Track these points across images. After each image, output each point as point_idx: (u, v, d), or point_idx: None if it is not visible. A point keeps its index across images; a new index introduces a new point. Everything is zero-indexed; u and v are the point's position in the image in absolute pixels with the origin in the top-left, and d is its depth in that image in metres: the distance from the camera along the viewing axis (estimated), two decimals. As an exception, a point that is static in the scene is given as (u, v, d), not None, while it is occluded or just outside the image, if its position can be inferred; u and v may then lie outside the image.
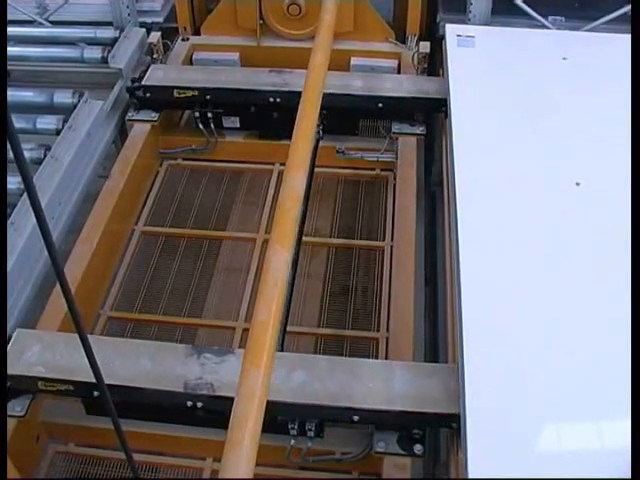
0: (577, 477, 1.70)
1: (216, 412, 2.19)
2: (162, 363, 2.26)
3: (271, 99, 3.51)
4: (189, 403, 2.19)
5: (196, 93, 3.54)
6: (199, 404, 2.19)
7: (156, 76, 3.65)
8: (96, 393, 2.20)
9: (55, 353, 2.26)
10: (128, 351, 2.32)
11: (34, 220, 1.16)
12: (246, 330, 2.91)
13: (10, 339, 2.33)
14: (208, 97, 3.54)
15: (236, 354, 2.28)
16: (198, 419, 2.36)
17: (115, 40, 3.88)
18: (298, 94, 3.36)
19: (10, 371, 2.23)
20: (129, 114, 3.69)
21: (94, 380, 2.13)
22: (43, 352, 2.30)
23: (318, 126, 2.95)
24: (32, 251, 2.75)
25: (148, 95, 3.60)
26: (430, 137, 3.65)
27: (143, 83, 3.60)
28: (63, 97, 3.50)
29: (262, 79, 3.57)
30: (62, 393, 2.24)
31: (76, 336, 2.44)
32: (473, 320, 2.05)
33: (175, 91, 3.52)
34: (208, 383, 2.19)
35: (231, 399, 2.09)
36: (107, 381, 2.13)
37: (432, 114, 3.55)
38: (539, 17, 3.70)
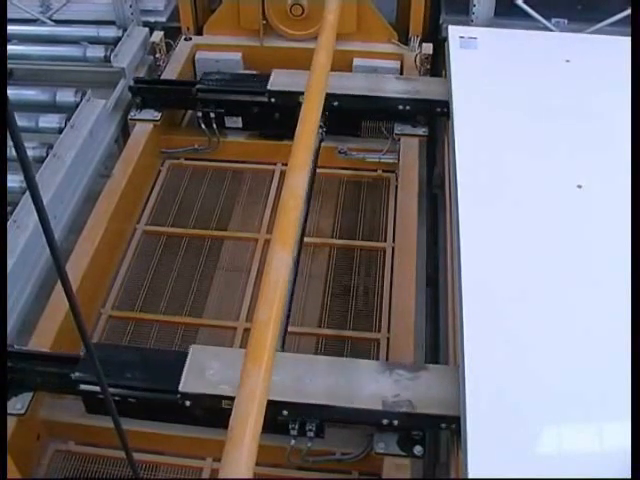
0: (577, 477, 1.70)
1: (404, 429, 2.17)
2: (354, 380, 2.19)
3: (400, 107, 3.42)
4: (385, 421, 2.14)
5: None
6: (395, 422, 2.14)
7: (281, 81, 3.56)
8: (285, 412, 2.17)
9: (236, 370, 2.20)
10: (318, 368, 2.25)
11: (36, 218, 1.16)
12: (247, 330, 2.90)
13: (187, 356, 2.27)
14: (336, 104, 3.40)
15: (429, 369, 2.23)
16: (198, 419, 2.36)
17: (118, 39, 3.89)
18: (430, 102, 3.39)
19: (193, 389, 2.18)
20: (131, 113, 3.69)
21: (283, 398, 2.13)
22: (224, 370, 2.22)
23: (320, 127, 2.94)
24: (34, 249, 2.76)
25: (273, 100, 3.51)
26: (432, 138, 3.66)
27: (268, 88, 3.50)
28: (65, 96, 3.51)
29: (390, 86, 3.48)
30: None
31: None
32: (474, 321, 2.06)
33: (301, 97, 3.45)
34: (406, 400, 2.12)
35: (430, 416, 2.10)
36: (298, 400, 2.15)
37: (434, 115, 3.55)
38: (542, 19, 3.71)
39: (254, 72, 4.12)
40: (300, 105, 3.28)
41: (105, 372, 2.24)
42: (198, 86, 3.63)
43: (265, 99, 3.52)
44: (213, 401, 2.18)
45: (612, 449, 1.78)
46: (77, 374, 2.27)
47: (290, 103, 3.41)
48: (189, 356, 2.27)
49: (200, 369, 2.23)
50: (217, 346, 2.60)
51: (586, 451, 1.79)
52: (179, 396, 2.19)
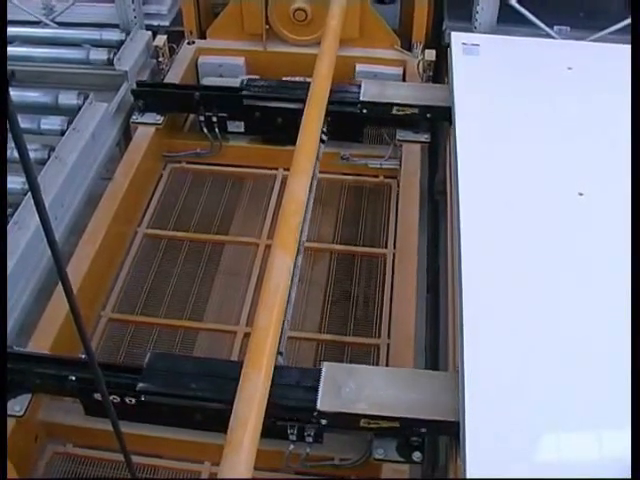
0: (577, 477, 1.70)
1: None
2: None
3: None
4: None
5: (416, 111, 3.39)
6: None
7: (372, 92, 3.47)
8: (424, 429, 2.13)
9: (373, 388, 2.15)
10: (429, 383, 2.20)
11: (37, 220, 1.17)
12: (247, 334, 2.90)
13: (320, 374, 2.21)
14: (428, 115, 3.40)
15: None
16: (197, 422, 2.35)
17: (121, 42, 3.90)
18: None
19: (330, 408, 2.12)
20: (133, 117, 3.69)
21: (422, 416, 2.09)
22: (360, 387, 2.16)
23: (322, 132, 2.95)
24: (35, 251, 2.76)
25: (365, 111, 3.43)
26: (434, 145, 3.66)
27: (361, 99, 3.42)
28: (68, 98, 3.51)
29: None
30: (382, 429, 2.15)
31: (389, 370, 2.42)
32: (474, 328, 2.05)
33: (395, 108, 3.38)
34: None
35: None
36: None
37: (436, 122, 3.56)
38: (544, 26, 3.71)
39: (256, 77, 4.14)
40: (392, 116, 3.36)
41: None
42: (244, 92, 3.57)
43: (357, 110, 3.43)
44: (351, 420, 2.13)
45: (612, 453, 1.78)
46: (141, 385, 2.25)
47: (383, 114, 3.41)
48: (323, 373, 2.21)
49: (338, 387, 2.16)
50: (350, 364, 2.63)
51: (586, 455, 1.79)
52: (316, 414, 2.14)
